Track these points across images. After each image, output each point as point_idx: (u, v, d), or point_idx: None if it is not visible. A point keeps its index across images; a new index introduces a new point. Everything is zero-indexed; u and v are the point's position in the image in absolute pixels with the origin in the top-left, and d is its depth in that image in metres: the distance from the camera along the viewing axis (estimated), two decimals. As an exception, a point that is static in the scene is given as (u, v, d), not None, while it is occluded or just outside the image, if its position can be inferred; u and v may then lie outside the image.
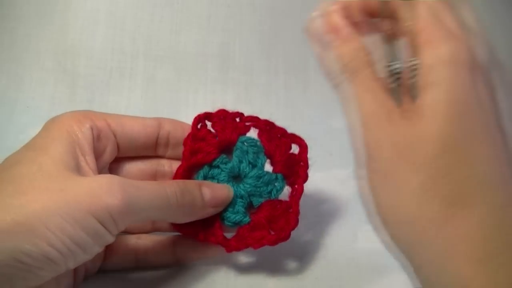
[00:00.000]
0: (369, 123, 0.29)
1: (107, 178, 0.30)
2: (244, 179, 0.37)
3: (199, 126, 0.37)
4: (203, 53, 0.54)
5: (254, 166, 0.37)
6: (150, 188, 0.31)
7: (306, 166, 0.37)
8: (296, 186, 0.37)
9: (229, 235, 0.36)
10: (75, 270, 0.33)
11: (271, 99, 0.53)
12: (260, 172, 0.37)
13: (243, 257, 0.39)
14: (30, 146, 0.31)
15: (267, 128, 0.38)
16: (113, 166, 0.36)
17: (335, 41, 0.30)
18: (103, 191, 0.29)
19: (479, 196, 0.25)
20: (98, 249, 0.30)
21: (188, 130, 0.37)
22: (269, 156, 0.38)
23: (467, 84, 0.27)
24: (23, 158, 0.30)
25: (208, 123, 0.38)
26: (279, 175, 0.37)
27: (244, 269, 0.39)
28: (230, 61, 0.55)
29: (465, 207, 0.25)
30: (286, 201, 0.37)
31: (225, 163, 0.37)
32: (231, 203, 0.36)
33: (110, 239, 0.30)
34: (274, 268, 0.39)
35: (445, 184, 0.25)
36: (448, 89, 0.26)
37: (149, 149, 0.37)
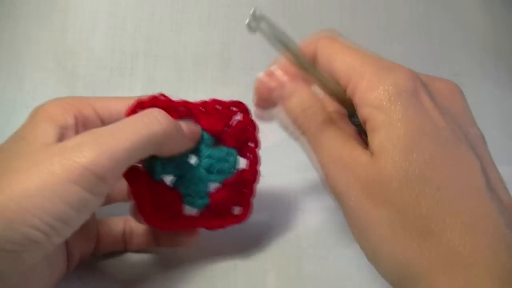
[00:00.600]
0: (331, 171, 0.30)
1: (77, 137, 0.28)
2: (199, 159, 0.36)
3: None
4: (203, 53, 0.54)
5: (200, 149, 0.36)
6: (125, 126, 0.29)
7: (254, 130, 0.37)
8: (248, 154, 0.37)
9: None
10: (68, 253, 0.33)
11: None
12: (208, 149, 0.36)
13: (243, 257, 0.39)
14: (13, 136, 0.30)
15: (201, 108, 0.36)
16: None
17: (281, 97, 0.32)
18: (74, 151, 0.26)
19: (451, 220, 0.25)
20: (84, 217, 0.28)
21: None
22: (215, 134, 0.36)
23: (411, 114, 0.27)
24: (2, 147, 0.29)
25: None
26: (232, 150, 0.36)
27: (244, 269, 0.39)
28: (230, 61, 0.55)
29: (437, 234, 0.25)
30: (247, 171, 0.36)
31: None
32: (193, 185, 0.35)
33: (97, 202, 0.28)
34: (274, 267, 0.39)
35: (416, 217, 0.25)
36: (392, 127, 0.27)
37: None
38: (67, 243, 0.33)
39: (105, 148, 0.27)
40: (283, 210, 0.43)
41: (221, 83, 0.54)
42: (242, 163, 0.37)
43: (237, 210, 0.37)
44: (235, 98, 0.51)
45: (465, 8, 0.62)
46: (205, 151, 0.36)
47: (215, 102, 0.36)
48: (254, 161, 0.37)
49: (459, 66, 0.60)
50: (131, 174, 0.33)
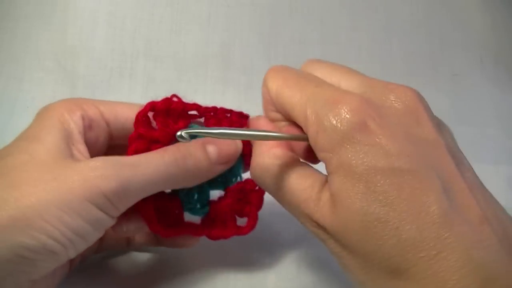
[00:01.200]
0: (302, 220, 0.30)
1: (99, 161, 0.29)
2: None
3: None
4: (203, 53, 0.54)
5: None
6: (146, 162, 0.30)
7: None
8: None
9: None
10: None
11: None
12: None
13: (243, 257, 0.39)
14: (22, 137, 0.31)
15: (211, 113, 0.36)
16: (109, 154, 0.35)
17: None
18: (96, 175, 0.28)
19: (413, 256, 0.24)
20: (98, 234, 0.30)
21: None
22: None
23: (361, 153, 0.26)
24: (15, 149, 0.30)
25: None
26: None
27: (244, 269, 0.39)
28: (230, 61, 0.55)
29: (405, 272, 0.24)
30: (251, 180, 0.35)
31: None
32: (193, 194, 0.35)
33: (110, 222, 0.30)
34: (274, 268, 0.39)
35: (383, 260, 0.25)
36: (345, 171, 0.26)
37: None
38: None
39: (124, 180, 0.28)
40: (283, 210, 0.43)
41: (221, 83, 0.54)
42: (247, 172, 0.36)
43: (241, 221, 0.36)
44: (235, 98, 0.52)
45: (464, 8, 0.62)
46: None
47: (225, 110, 0.36)
48: None
49: (459, 66, 0.60)
50: None
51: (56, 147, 0.29)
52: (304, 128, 0.29)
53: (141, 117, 0.33)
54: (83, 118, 0.32)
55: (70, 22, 0.53)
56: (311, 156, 0.31)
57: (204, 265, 0.38)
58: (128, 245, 0.38)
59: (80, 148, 0.31)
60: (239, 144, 0.34)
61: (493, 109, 0.59)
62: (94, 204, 0.28)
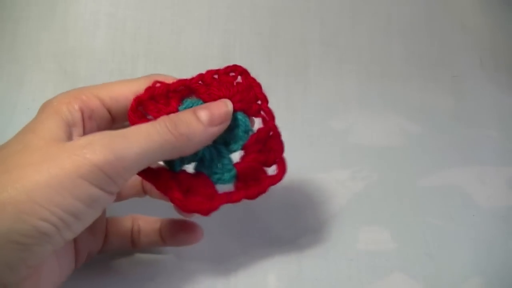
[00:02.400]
0: None
1: (89, 136, 0.28)
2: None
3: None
4: (204, 54, 0.55)
5: None
6: (138, 132, 0.29)
7: (259, 87, 0.36)
8: (261, 112, 0.36)
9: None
10: (76, 250, 0.34)
11: (271, 100, 0.52)
12: None
13: (244, 257, 0.39)
14: (20, 130, 0.31)
15: (199, 82, 0.35)
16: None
17: None
18: (85, 149, 0.27)
19: None
20: (95, 213, 0.28)
21: None
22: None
23: None
24: (12, 140, 0.30)
25: None
26: (238, 113, 0.35)
27: (244, 269, 0.39)
28: (231, 62, 0.54)
29: None
30: (263, 128, 0.35)
31: None
32: (215, 163, 0.34)
33: (108, 199, 0.28)
34: (274, 268, 0.39)
35: None
36: None
37: None
38: (75, 239, 0.33)
39: (116, 149, 0.27)
40: (283, 210, 0.43)
41: (221, 84, 0.54)
42: (257, 123, 0.36)
43: (271, 170, 0.35)
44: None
45: (464, 9, 0.62)
46: None
47: (211, 72, 0.36)
48: (267, 117, 0.36)
49: (459, 67, 0.60)
50: (151, 174, 0.33)
51: (50, 133, 0.29)
52: None
53: (132, 114, 0.33)
54: (82, 110, 0.32)
55: (71, 24, 0.53)
56: None
57: (204, 265, 0.39)
58: (133, 246, 0.38)
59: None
60: (229, 104, 0.33)
61: (493, 110, 0.58)
62: (87, 180, 0.27)
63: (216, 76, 0.36)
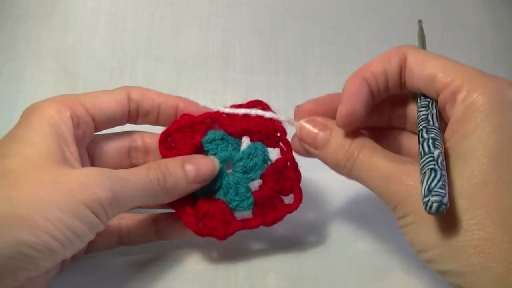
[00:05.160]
0: (383, 188, 0.31)
1: (96, 171, 0.32)
2: (233, 166, 0.38)
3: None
4: (204, 53, 0.54)
5: (231, 156, 0.37)
6: (135, 179, 0.33)
7: (279, 121, 0.38)
8: (280, 142, 0.38)
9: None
10: None
11: (271, 99, 0.53)
12: (238, 153, 0.37)
13: (244, 257, 0.39)
14: (13, 138, 0.32)
15: (224, 115, 0.38)
16: (90, 147, 0.37)
17: (325, 138, 0.34)
18: (94, 184, 0.30)
19: None
20: (91, 237, 0.31)
21: (155, 98, 0.38)
22: (241, 134, 0.38)
23: (509, 123, 0.28)
24: (10, 152, 0.30)
25: None
26: (258, 143, 0.38)
27: (244, 269, 0.39)
28: (230, 61, 0.55)
29: None
30: (280, 159, 0.37)
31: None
32: (233, 191, 0.36)
33: (101, 227, 0.31)
34: (274, 268, 0.39)
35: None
36: (488, 133, 0.28)
37: (122, 121, 0.38)
38: None
39: (117, 190, 0.31)
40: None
41: (221, 83, 0.54)
42: (276, 153, 0.38)
43: (288, 199, 0.37)
44: (235, 98, 0.52)
45: (465, 9, 0.62)
46: (235, 155, 0.37)
47: (235, 106, 0.38)
48: (286, 147, 0.38)
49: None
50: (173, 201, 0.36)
51: (49, 151, 0.31)
52: (450, 88, 0.30)
53: (162, 147, 0.37)
54: (72, 118, 0.33)
55: (71, 23, 0.53)
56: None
57: (204, 265, 0.39)
58: (122, 244, 0.38)
59: (72, 150, 0.33)
60: (216, 163, 0.36)
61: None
62: (89, 208, 0.29)
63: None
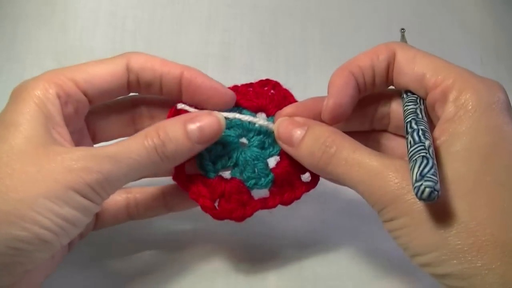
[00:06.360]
0: (365, 184, 0.30)
1: (82, 152, 0.29)
2: (249, 141, 0.36)
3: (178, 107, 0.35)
4: (204, 52, 0.54)
5: (248, 129, 0.36)
6: (127, 153, 0.30)
7: (292, 96, 0.37)
8: None
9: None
10: None
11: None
12: (254, 126, 0.36)
13: (244, 257, 0.39)
14: (1, 123, 0.30)
15: (238, 89, 0.37)
16: (91, 118, 0.36)
17: (300, 135, 0.32)
18: (79, 167, 0.28)
19: None
20: (87, 219, 0.30)
21: (157, 68, 0.35)
22: (257, 109, 0.37)
23: (500, 124, 0.28)
24: None
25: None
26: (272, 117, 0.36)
27: (244, 269, 0.39)
28: (231, 61, 0.55)
29: None
30: None
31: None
32: (250, 168, 0.35)
33: (96, 209, 0.30)
34: (274, 267, 0.39)
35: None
36: (479, 134, 0.28)
37: (121, 92, 0.36)
38: None
39: (107, 172, 0.29)
40: (284, 211, 0.43)
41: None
42: None
43: (305, 176, 0.36)
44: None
45: (465, 8, 0.62)
46: (252, 128, 0.35)
47: (246, 85, 0.37)
48: None
49: (459, 65, 0.60)
50: (185, 181, 0.34)
51: (35, 134, 0.29)
52: (441, 87, 0.31)
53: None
54: (59, 96, 0.31)
55: (71, 22, 0.53)
56: None
57: (205, 265, 0.39)
58: (131, 218, 0.38)
59: (61, 131, 0.31)
60: (221, 119, 0.33)
61: (493, 109, 0.58)
62: (78, 192, 0.28)
63: (250, 89, 0.37)
